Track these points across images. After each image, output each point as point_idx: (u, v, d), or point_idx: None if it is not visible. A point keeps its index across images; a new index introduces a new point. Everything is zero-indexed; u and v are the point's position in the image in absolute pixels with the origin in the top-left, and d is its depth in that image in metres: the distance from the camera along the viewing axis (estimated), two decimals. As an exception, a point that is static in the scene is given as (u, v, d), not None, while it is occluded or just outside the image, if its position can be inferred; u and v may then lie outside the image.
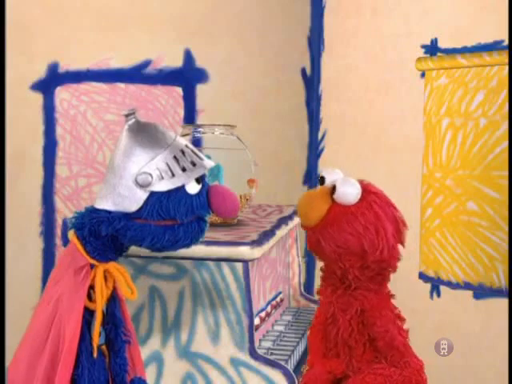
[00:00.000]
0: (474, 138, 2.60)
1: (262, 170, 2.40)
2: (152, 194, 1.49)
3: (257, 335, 2.00)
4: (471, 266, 2.63)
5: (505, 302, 2.48)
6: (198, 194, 1.53)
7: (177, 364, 1.92)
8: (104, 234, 1.51)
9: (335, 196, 1.67)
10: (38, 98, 2.88)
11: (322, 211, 1.68)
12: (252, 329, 1.90)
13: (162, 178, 1.49)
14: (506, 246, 2.52)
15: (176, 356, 1.93)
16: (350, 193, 1.66)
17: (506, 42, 2.50)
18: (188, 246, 1.57)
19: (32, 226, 2.90)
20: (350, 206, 1.66)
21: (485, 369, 2.61)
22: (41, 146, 2.90)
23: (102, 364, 1.57)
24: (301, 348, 2.12)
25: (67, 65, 2.89)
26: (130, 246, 1.59)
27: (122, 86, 2.94)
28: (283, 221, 2.24)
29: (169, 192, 1.50)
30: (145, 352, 1.86)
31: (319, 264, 1.82)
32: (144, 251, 1.61)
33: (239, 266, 1.90)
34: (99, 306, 1.52)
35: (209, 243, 1.84)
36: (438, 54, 2.70)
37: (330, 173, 1.74)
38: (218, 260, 1.88)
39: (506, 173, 2.50)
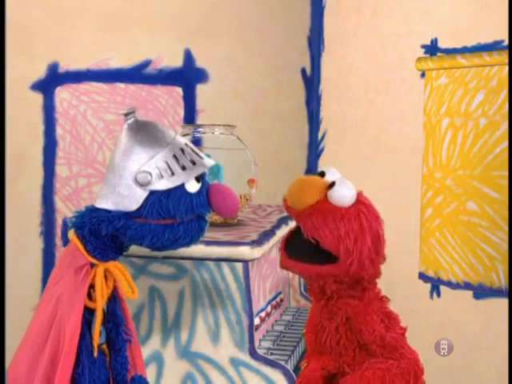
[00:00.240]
0: (474, 138, 2.59)
1: (262, 170, 2.40)
2: (152, 192, 1.50)
3: (257, 335, 2.00)
4: (471, 266, 2.62)
5: (505, 301, 2.47)
6: (198, 193, 1.54)
7: (177, 364, 1.92)
8: (104, 234, 1.52)
9: (330, 192, 1.65)
10: (38, 98, 2.87)
11: (313, 199, 1.64)
12: (252, 329, 1.90)
13: (162, 176, 1.49)
14: (506, 246, 2.52)
15: (176, 356, 1.93)
16: (346, 195, 1.65)
17: (506, 42, 2.49)
18: (188, 244, 1.58)
19: (32, 226, 2.90)
20: (340, 208, 1.65)
21: (485, 369, 2.61)
22: (41, 145, 2.89)
23: (103, 363, 1.58)
24: (301, 348, 2.12)
25: (67, 65, 2.88)
26: (131, 245, 1.59)
27: (121, 86, 2.94)
28: (283, 221, 2.24)
29: (168, 191, 1.50)
30: (145, 352, 1.86)
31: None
32: (144, 251, 1.61)
33: (239, 266, 1.90)
34: (99, 305, 1.52)
35: (209, 243, 1.84)
36: (438, 54, 2.70)
37: (330, 173, 1.74)
38: (218, 260, 1.88)
39: (506, 173, 2.49)
